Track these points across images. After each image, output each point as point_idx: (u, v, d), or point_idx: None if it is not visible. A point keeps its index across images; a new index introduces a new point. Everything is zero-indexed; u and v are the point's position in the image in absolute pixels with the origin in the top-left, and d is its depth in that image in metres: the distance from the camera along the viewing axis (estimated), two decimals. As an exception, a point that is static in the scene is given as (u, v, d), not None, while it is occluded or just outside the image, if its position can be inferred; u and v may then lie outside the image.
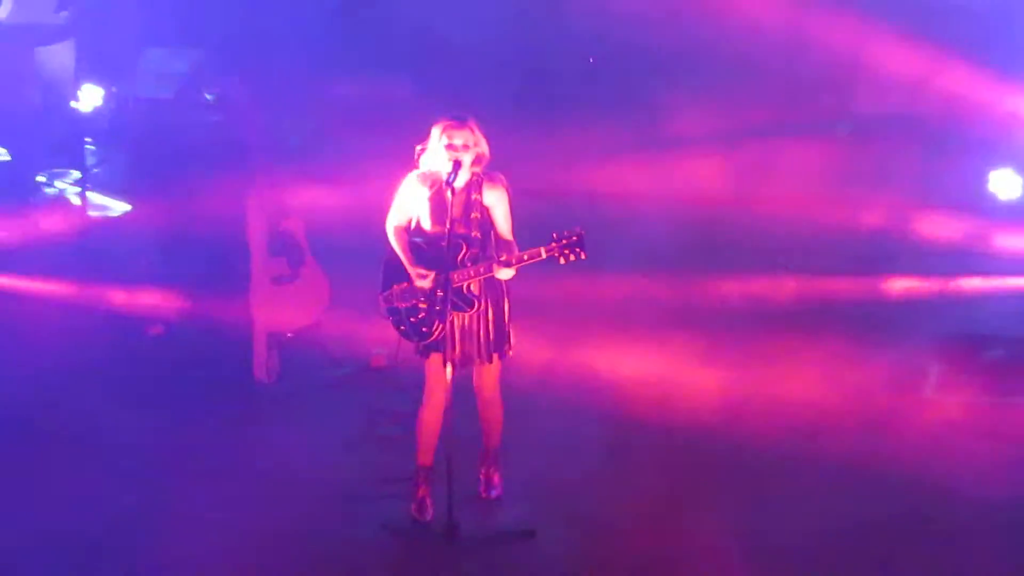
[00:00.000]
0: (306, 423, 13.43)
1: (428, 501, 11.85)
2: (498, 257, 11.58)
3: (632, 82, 15.61)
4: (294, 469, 12.52)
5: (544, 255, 11.43)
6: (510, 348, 11.88)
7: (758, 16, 15.72)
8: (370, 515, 11.85)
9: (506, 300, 11.81)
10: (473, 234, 11.63)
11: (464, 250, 11.62)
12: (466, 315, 11.70)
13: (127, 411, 13.41)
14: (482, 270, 11.60)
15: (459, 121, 11.64)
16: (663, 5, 15.73)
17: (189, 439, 12.98)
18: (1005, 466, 12.48)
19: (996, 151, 15.48)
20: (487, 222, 11.69)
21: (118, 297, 15.14)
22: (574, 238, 11.40)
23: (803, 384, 13.63)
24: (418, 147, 11.71)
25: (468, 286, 11.63)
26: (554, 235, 11.37)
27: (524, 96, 14.36)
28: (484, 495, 12.14)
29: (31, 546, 11.29)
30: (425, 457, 11.87)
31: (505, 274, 11.55)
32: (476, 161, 11.63)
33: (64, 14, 16.74)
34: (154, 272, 15.23)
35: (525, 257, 11.49)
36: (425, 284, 11.66)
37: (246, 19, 15.54)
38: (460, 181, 11.63)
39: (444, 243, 11.63)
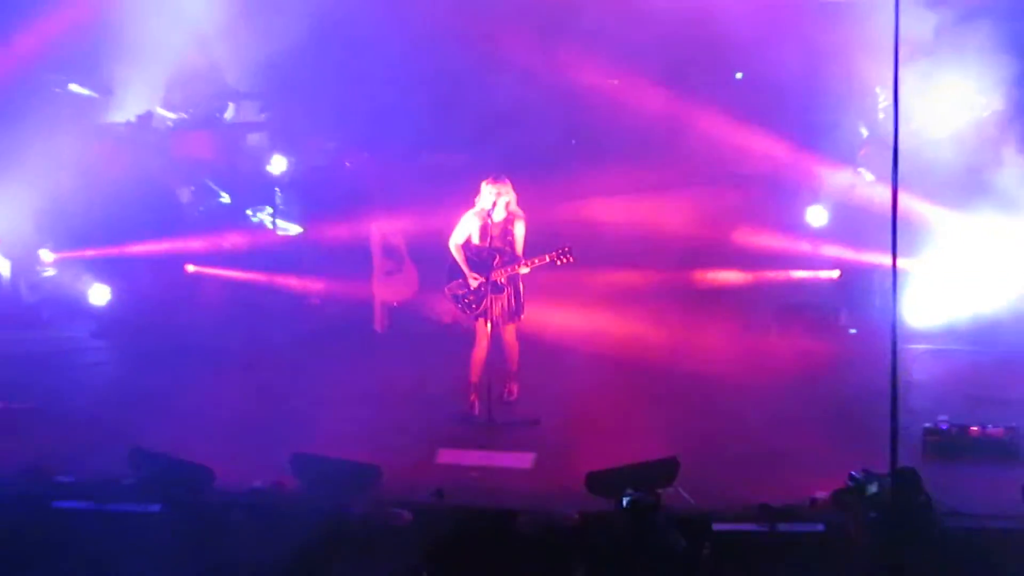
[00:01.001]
0: (404, 356, 13.53)
1: (476, 403, 12.04)
2: (519, 261, 11.75)
3: (594, 155, 15.45)
4: (397, 383, 12.67)
5: (548, 260, 11.62)
6: (522, 315, 12.04)
7: (679, 118, 15.62)
8: (443, 410, 12.03)
9: (521, 286, 12.00)
10: (504, 247, 11.82)
11: (498, 258, 11.78)
12: (498, 296, 11.85)
13: (295, 347, 13.52)
14: (509, 269, 11.76)
15: (497, 179, 11.84)
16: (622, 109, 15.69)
17: (332, 365, 13.08)
18: (814, 377, 12.66)
19: (811, 195, 15.35)
20: (513, 240, 11.85)
21: (292, 281, 15.13)
22: (566, 249, 11.60)
23: (696, 335, 13.64)
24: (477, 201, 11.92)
25: (500, 279, 11.78)
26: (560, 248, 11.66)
27: (536, 165, 14.22)
28: (507, 399, 12.28)
29: (232, 420, 11.40)
30: (474, 377, 12.07)
31: (523, 271, 11.75)
32: (508, 204, 11.82)
33: (264, 115, 16.83)
34: (316, 266, 15.24)
35: (536, 261, 11.68)
36: (474, 281, 11.82)
37: (369, 115, 15.50)
38: (497, 216, 11.80)
39: (486, 253, 11.83)
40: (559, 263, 11.68)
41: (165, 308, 14.43)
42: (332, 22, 15.46)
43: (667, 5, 15.64)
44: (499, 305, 11.86)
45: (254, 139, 16.83)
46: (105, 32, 15.68)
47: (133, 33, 15.63)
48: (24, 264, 15.11)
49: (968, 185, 14.00)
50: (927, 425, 11.12)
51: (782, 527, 9.31)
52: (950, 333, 13.57)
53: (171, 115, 16.44)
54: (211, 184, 16.11)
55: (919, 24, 14.18)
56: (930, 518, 9.31)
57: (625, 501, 9.20)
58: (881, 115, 15.60)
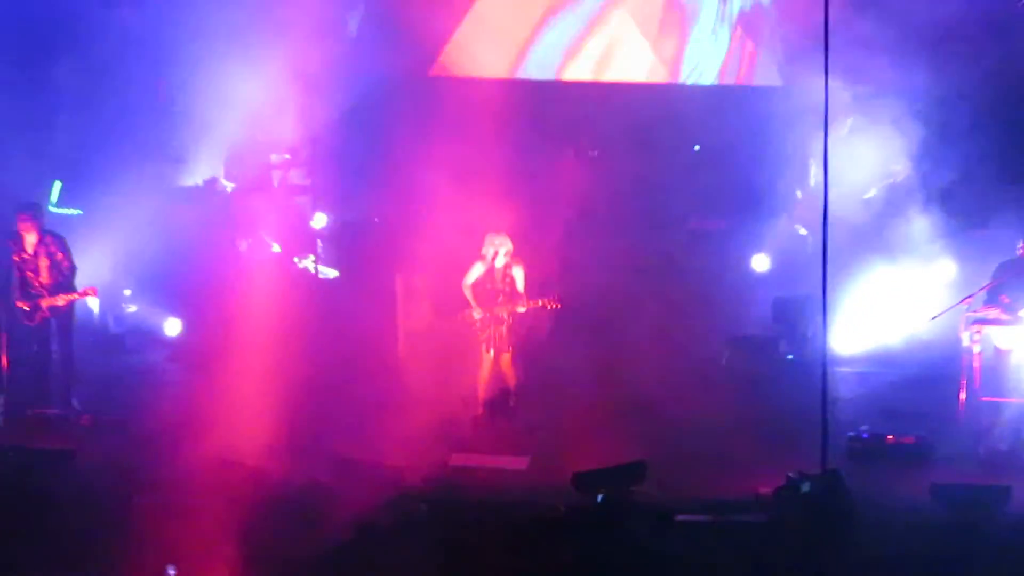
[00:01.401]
0: (423, 376, 12.85)
1: (482, 414, 12.03)
2: (517, 300, 11.77)
3: (580, 213, 15.04)
4: (416, 398, 12.19)
5: (540, 303, 11.67)
6: (519, 343, 12.05)
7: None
8: (454, 420, 11.80)
9: (518, 320, 11.99)
10: (505, 289, 11.84)
11: (501, 296, 11.81)
12: (498, 327, 11.86)
13: (333, 369, 12.98)
14: (509, 307, 11.78)
15: (498, 232, 11.88)
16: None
17: (363, 383, 12.54)
18: (758, 395, 12.54)
19: (756, 245, 15.27)
20: (512, 283, 11.88)
21: (330, 315, 14.97)
22: (554, 294, 11.66)
23: (662, 361, 13.27)
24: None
25: (501, 314, 11.80)
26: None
27: (531, 221, 13.94)
28: (506, 411, 12.15)
29: (279, 427, 11.07)
30: (480, 393, 12.08)
31: (520, 310, 11.75)
32: (507, 252, 11.85)
33: (308, 180, 16.80)
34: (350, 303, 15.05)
35: (530, 303, 11.71)
36: (478, 314, 11.82)
37: (394, 180, 15.40)
38: (499, 262, 11.84)
39: (490, 292, 11.86)
40: (549, 307, 11.84)
41: (226, 337, 14.37)
42: (362, 105, 15.61)
43: (638, 97, 15.74)
44: (499, 334, 11.88)
45: (300, 200, 16.86)
46: (179, 113, 15.85)
47: (201, 114, 15.76)
48: (111, 301, 15.17)
49: (882, 238, 14.06)
50: (850, 434, 11.22)
51: (732, 518, 9.36)
52: (869, 358, 13.59)
53: (230, 184, 16.51)
54: (265, 237, 16.14)
55: (837, 101, 14.20)
56: (852, 510, 9.38)
57: (599, 497, 9.27)
58: (812, 181, 15.63)
